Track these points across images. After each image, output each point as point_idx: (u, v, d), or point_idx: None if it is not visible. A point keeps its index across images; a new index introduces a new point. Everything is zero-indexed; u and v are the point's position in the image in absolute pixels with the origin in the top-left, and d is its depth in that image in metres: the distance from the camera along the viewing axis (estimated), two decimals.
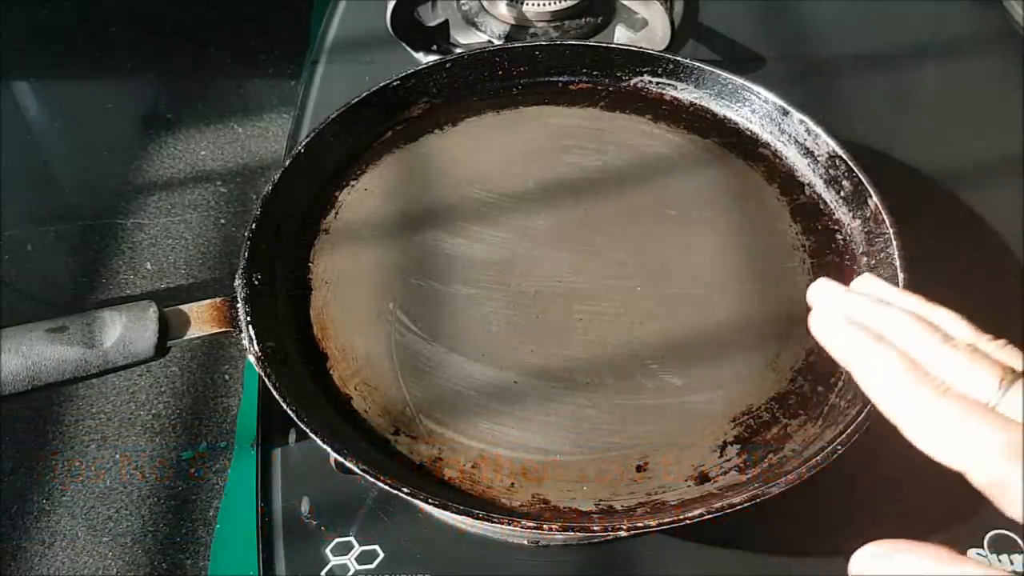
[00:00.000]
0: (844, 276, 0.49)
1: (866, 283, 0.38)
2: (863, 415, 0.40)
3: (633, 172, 0.55)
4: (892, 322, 0.33)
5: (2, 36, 0.88)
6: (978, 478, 0.28)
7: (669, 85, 0.59)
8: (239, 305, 0.44)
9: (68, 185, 0.78)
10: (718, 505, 0.38)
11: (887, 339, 0.32)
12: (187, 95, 0.82)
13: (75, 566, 0.53)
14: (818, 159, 0.53)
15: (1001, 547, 0.45)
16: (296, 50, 0.81)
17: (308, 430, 0.39)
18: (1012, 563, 0.44)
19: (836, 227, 0.52)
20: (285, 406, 0.40)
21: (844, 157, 0.51)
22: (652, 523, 0.38)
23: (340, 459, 0.39)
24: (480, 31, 0.70)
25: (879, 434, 0.40)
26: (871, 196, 0.50)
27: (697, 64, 0.57)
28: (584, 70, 0.60)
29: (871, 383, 0.32)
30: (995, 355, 0.31)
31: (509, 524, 0.38)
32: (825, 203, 0.53)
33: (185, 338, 0.43)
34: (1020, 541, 0.45)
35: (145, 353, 0.42)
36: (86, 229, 0.71)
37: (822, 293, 0.37)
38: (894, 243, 0.47)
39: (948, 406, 0.29)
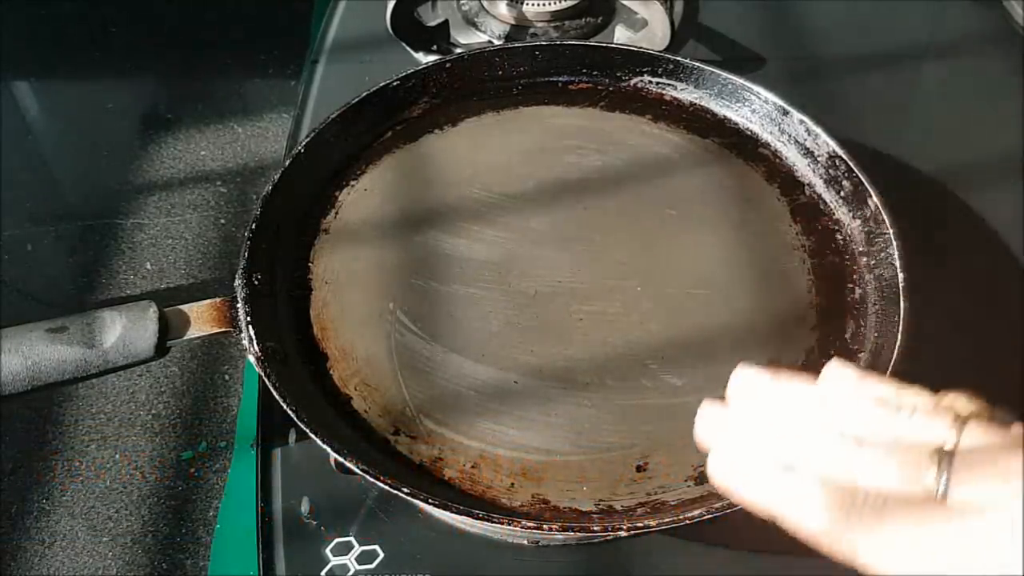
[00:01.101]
0: (844, 276, 0.49)
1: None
2: None
3: (633, 172, 0.55)
4: (809, 436, 0.27)
5: (2, 36, 0.88)
6: None
7: (669, 85, 0.59)
8: (239, 305, 0.44)
9: (68, 185, 0.78)
10: (718, 505, 0.38)
11: (805, 463, 0.27)
12: (187, 95, 0.82)
13: (75, 566, 0.53)
14: (818, 159, 0.53)
15: None
16: (296, 50, 0.80)
17: (308, 430, 0.39)
18: None
19: (836, 227, 0.52)
20: (285, 406, 0.40)
21: (844, 157, 0.51)
22: (652, 523, 0.38)
23: (340, 459, 0.39)
24: (480, 31, 0.70)
25: None
26: (871, 196, 0.50)
27: (697, 64, 0.57)
28: (584, 70, 0.60)
29: (797, 525, 0.27)
30: (942, 403, 0.27)
31: (509, 524, 0.38)
32: (825, 203, 0.53)
33: (185, 338, 0.43)
34: None
35: (145, 353, 0.42)
36: (86, 229, 0.71)
37: (710, 430, 0.30)
38: (894, 243, 0.47)
39: (892, 523, 0.25)
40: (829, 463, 0.27)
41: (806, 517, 0.26)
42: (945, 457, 0.25)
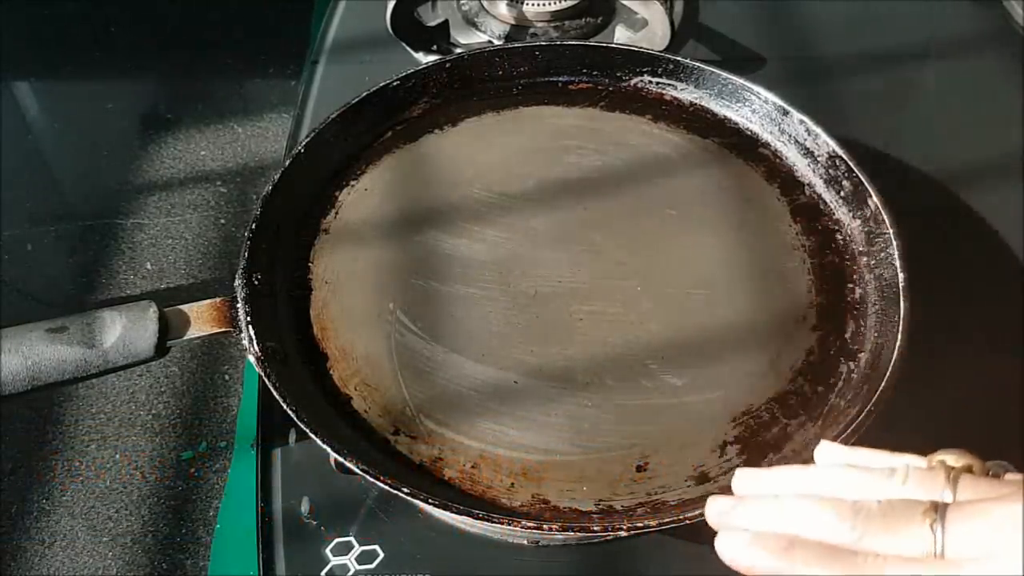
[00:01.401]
0: (844, 276, 0.49)
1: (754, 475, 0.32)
2: (863, 415, 0.40)
3: (633, 172, 0.55)
4: (807, 510, 0.28)
5: (2, 36, 0.88)
6: None
7: (669, 85, 0.59)
8: (239, 305, 0.44)
9: (68, 185, 0.78)
10: None
11: (799, 538, 0.28)
12: (187, 95, 0.82)
13: (75, 566, 0.53)
14: (818, 159, 0.53)
15: None
16: (296, 50, 0.80)
17: (308, 430, 0.39)
18: None
19: (836, 227, 0.52)
20: (285, 406, 0.40)
21: (844, 157, 0.51)
22: (652, 523, 0.38)
23: (340, 459, 0.39)
24: (480, 31, 0.70)
25: (878, 435, 0.40)
26: (871, 196, 0.50)
27: (697, 64, 0.57)
28: (584, 70, 0.60)
29: None
30: (933, 462, 0.28)
31: (509, 524, 0.38)
32: (825, 203, 0.53)
33: (185, 338, 0.43)
34: None
35: (145, 353, 0.42)
36: (86, 229, 0.71)
37: (718, 515, 0.31)
38: (894, 243, 0.47)
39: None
40: (828, 533, 0.27)
41: None
42: (939, 514, 0.26)
